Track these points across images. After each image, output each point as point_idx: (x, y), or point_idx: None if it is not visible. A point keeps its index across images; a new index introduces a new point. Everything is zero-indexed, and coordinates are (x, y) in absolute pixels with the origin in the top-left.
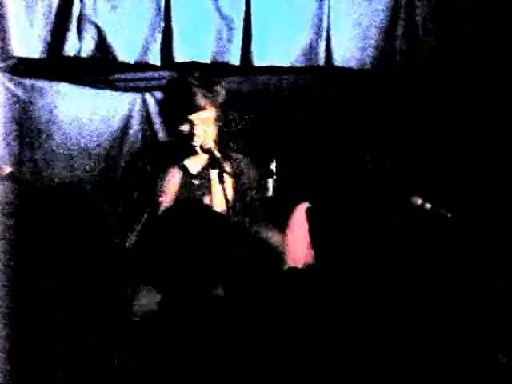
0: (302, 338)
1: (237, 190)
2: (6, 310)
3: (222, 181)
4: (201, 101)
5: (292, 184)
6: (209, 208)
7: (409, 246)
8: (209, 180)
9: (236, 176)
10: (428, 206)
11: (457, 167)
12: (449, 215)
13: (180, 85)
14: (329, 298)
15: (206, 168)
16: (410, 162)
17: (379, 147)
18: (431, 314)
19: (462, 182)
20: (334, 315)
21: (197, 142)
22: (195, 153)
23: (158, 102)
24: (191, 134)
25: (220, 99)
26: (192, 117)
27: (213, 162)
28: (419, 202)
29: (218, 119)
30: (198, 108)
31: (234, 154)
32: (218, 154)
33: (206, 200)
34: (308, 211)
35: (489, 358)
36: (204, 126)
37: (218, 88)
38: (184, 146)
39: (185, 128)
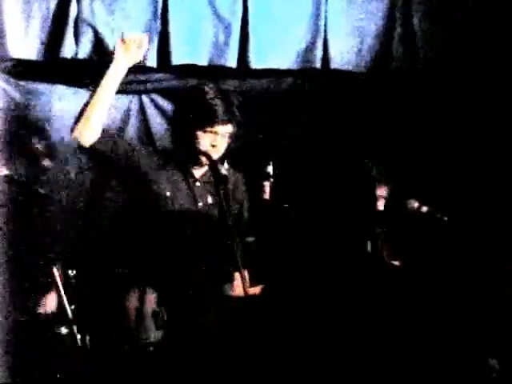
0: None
1: (233, 198)
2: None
3: (216, 182)
4: (225, 115)
5: (289, 187)
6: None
7: (405, 248)
8: (210, 183)
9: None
10: (424, 209)
11: (453, 170)
12: (445, 218)
13: (203, 97)
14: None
15: (208, 172)
16: (407, 165)
17: (375, 149)
18: (423, 316)
19: (458, 186)
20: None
21: (216, 154)
22: (200, 160)
23: (156, 104)
24: (212, 146)
25: (238, 114)
26: (216, 129)
27: (214, 170)
28: (416, 205)
29: (233, 134)
30: (221, 122)
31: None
32: (214, 157)
33: (210, 200)
34: None
35: (479, 360)
36: (223, 139)
37: (237, 102)
38: (189, 153)
39: (205, 139)
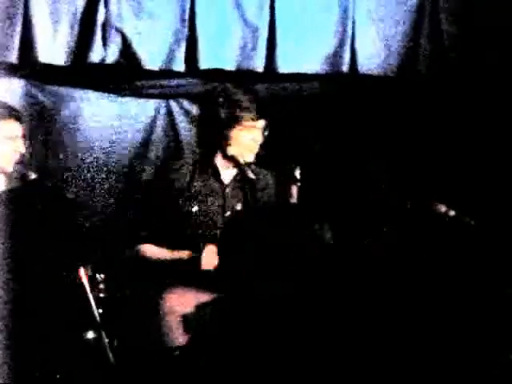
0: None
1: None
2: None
3: (243, 187)
4: (252, 112)
5: (316, 190)
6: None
7: (433, 251)
8: (241, 189)
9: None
10: (452, 213)
11: (481, 175)
12: (472, 222)
13: (229, 95)
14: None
15: (237, 177)
16: (436, 169)
17: (404, 153)
18: (446, 313)
19: (486, 190)
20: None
21: (254, 151)
22: (227, 163)
23: (183, 109)
24: (252, 141)
25: (265, 111)
26: (255, 123)
27: (239, 170)
28: (443, 209)
29: (263, 131)
30: (249, 118)
31: (257, 168)
32: (241, 161)
33: (238, 207)
34: None
35: (497, 355)
36: (260, 132)
37: (263, 100)
38: (216, 156)
39: (246, 135)
